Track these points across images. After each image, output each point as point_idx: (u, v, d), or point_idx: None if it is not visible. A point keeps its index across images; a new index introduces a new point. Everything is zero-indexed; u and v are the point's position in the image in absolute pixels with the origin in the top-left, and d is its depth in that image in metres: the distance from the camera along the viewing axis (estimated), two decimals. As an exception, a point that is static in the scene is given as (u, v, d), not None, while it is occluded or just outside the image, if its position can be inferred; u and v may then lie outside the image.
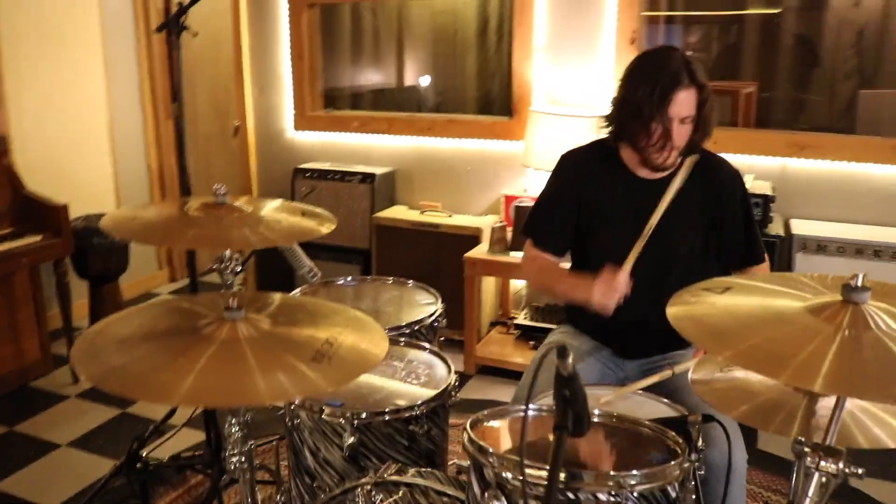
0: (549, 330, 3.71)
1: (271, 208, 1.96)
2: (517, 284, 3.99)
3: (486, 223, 3.71)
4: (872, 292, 1.11)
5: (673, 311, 1.21)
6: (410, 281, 2.46)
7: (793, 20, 3.79)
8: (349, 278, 2.50)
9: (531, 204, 3.47)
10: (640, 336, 2.07)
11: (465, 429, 1.32)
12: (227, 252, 2.01)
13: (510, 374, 3.48)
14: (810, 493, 1.03)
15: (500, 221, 3.56)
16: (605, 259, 2.01)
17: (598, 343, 2.11)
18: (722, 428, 1.54)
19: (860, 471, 1.00)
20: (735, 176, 2.03)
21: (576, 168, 2.11)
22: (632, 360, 2.09)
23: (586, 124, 3.33)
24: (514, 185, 3.78)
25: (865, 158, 3.17)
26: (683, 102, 1.87)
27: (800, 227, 3.13)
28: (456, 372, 1.91)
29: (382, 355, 1.50)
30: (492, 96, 4.20)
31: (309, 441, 1.80)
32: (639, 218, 1.94)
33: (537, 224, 2.17)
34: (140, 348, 1.43)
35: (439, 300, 2.32)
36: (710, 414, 1.43)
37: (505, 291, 3.98)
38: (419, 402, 1.76)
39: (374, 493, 1.51)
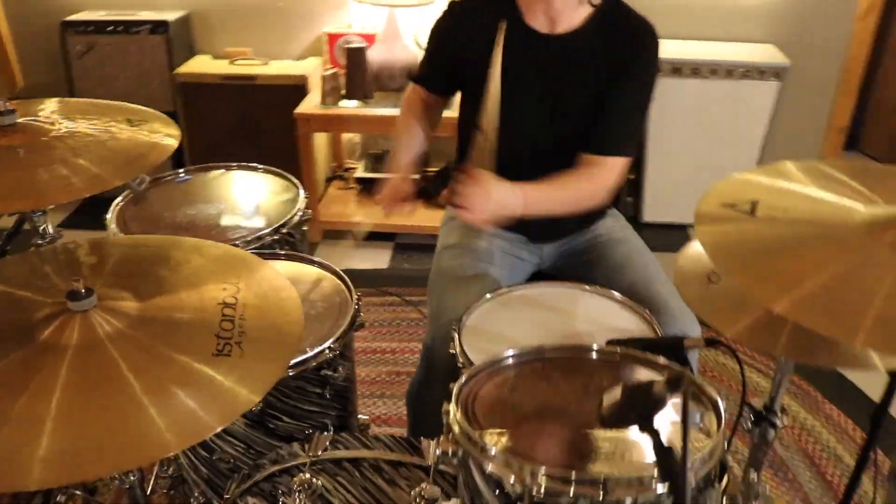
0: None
1: (83, 121, 1.44)
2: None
3: (311, 68, 3.24)
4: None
5: (704, 236, 0.98)
6: (259, 166, 2.05)
7: None
8: (181, 172, 2.02)
9: (362, 44, 3.05)
10: (545, 218, 1.83)
11: (449, 411, 1.05)
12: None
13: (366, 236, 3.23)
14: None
15: (329, 67, 3.11)
16: (499, 126, 1.71)
17: (504, 230, 1.83)
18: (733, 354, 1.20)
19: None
20: (653, 39, 1.65)
21: (456, 23, 1.75)
22: (548, 243, 1.88)
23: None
24: (337, 20, 3.30)
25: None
26: None
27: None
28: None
29: (300, 319, 1.18)
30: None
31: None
32: (537, 78, 1.65)
33: (424, 71, 1.86)
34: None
35: (300, 189, 1.96)
36: (714, 337, 1.21)
37: (337, 142, 3.59)
38: (330, 340, 1.46)
39: (312, 479, 1.24)
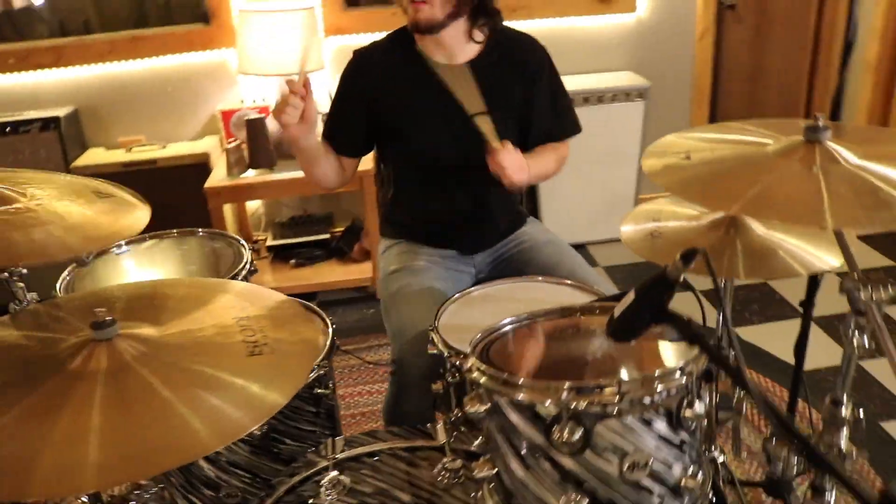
0: (306, 244, 3.55)
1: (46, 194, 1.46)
2: (252, 205, 3.67)
3: (211, 146, 3.31)
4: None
5: (652, 168, 1.18)
6: (201, 230, 2.11)
7: None
8: (122, 245, 2.04)
9: (259, 116, 3.16)
10: (480, 225, 2.01)
11: (472, 362, 1.16)
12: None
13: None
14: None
15: (231, 140, 3.19)
16: (422, 157, 1.91)
17: (440, 250, 2.00)
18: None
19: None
20: (543, 52, 1.96)
21: (364, 67, 1.91)
22: (480, 253, 2.04)
23: (301, 18, 3.05)
24: (229, 98, 3.39)
25: (569, 13, 3.39)
26: None
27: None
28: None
29: (315, 322, 1.26)
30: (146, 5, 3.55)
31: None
32: (447, 106, 1.83)
33: (332, 127, 1.97)
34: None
35: (241, 242, 2.02)
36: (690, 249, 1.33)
37: (243, 214, 3.64)
38: (319, 357, 1.53)
39: (339, 476, 1.30)
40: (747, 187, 1.11)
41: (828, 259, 1.44)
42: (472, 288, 1.78)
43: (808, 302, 1.50)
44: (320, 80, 3.35)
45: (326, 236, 3.62)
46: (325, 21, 3.29)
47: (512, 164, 1.71)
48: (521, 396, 1.07)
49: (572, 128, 2.03)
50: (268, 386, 1.08)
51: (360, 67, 1.89)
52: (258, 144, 3.14)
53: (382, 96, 1.85)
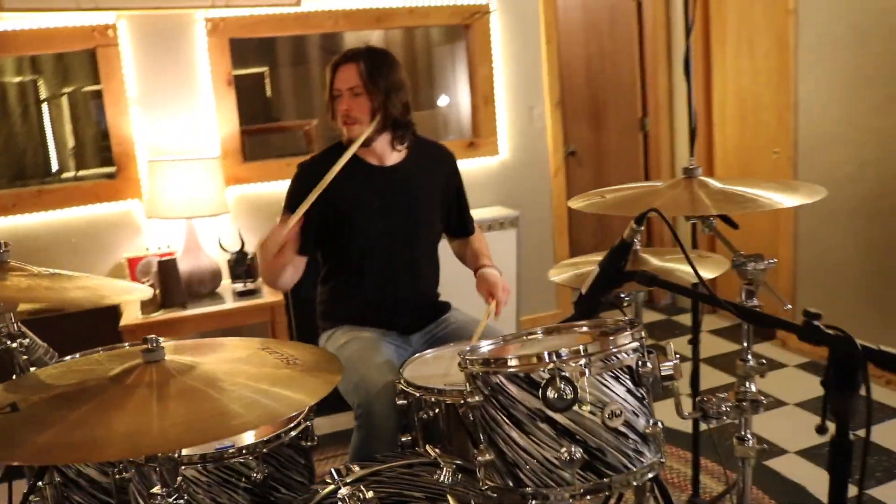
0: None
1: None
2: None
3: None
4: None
5: (578, 205, 1.56)
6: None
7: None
8: (77, 356, 2.12)
9: (170, 258, 3.32)
10: (413, 310, 2.30)
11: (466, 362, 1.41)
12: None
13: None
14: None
15: (144, 281, 3.30)
16: (366, 250, 2.21)
17: (381, 329, 2.26)
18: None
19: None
20: (452, 156, 2.40)
21: (310, 174, 2.22)
22: (415, 333, 2.30)
23: (207, 166, 3.34)
24: (135, 246, 3.53)
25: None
26: (341, 75, 2.16)
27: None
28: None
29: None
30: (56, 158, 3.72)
31: (206, 501, 1.57)
32: (385, 202, 2.18)
33: None
34: (64, 413, 1.13)
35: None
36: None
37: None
38: (304, 410, 1.70)
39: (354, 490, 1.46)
40: (652, 201, 1.50)
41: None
42: (425, 351, 2.03)
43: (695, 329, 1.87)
44: (224, 224, 3.58)
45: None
46: (226, 172, 3.58)
47: (504, 289, 2.24)
48: (515, 368, 1.34)
49: (472, 224, 2.49)
50: (297, 390, 1.28)
51: (307, 174, 2.19)
52: (170, 285, 3.27)
53: (329, 195, 2.15)
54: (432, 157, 2.34)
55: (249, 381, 1.27)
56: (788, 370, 3.65)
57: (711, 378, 3.60)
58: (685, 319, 4.53)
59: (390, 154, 2.25)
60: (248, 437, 1.64)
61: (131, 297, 1.61)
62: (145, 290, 1.77)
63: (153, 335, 1.29)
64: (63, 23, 3.25)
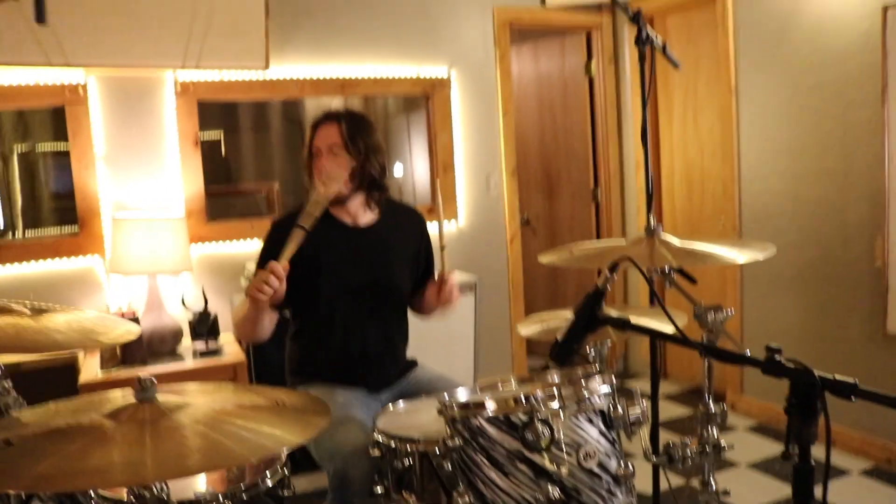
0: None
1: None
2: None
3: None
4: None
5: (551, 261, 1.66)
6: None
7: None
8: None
9: (133, 316, 3.31)
10: (383, 367, 2.35)
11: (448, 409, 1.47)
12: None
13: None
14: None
15: (102, 340, 3.27)
16: (337, 306, 2.26)
17: (351, 387, 2.29)
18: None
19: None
20: (422, 218, 2.49)
21: (285, 230, 2.28)
22: (383, 391, 2.34)
23: (172, 225, 3.36)
24: (95, 303, 3.50)
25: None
26: (322, 133, 2.26)
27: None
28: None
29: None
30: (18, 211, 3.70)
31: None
32: (357, 260, 2.25)
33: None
34: (61, 445, 1.15)
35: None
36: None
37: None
38: (278, 462, 1.73)
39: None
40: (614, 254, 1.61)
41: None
42: (398, 402, 2.08)
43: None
44: (188, 282, 3.59)
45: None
46: (191, 231, 3.61)
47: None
48: (493, 412, 1.40)
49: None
50: (286, 431, 1.32)
51: (281, 230, 2.24)
52: (131, 343, 3.24)
53: (303, 250, 2.20)
54: (404, 219, 2.43)
55: (239, 419, 1.31)
56: (738, 433, 3.77)
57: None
58: (637, 384, 4.64)
59: (364, 213, 2.33)
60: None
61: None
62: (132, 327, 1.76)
63: (148, 376, 1.32)
64: (34, 80, 3.30)
